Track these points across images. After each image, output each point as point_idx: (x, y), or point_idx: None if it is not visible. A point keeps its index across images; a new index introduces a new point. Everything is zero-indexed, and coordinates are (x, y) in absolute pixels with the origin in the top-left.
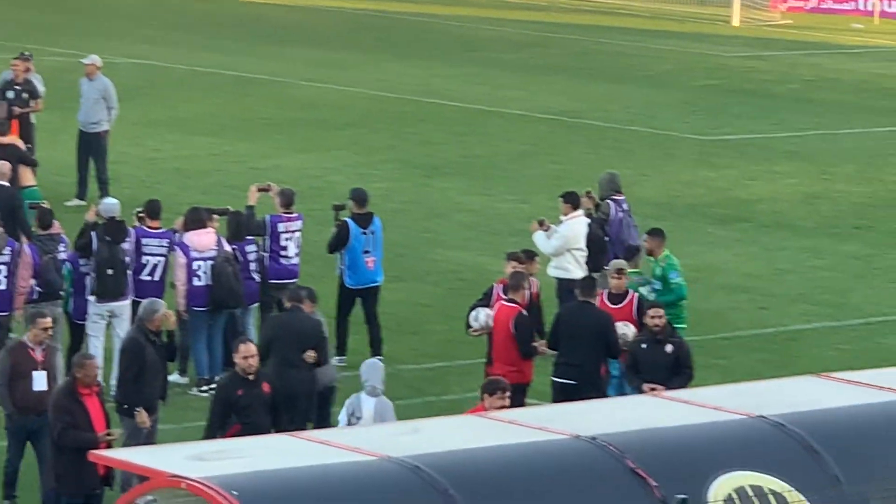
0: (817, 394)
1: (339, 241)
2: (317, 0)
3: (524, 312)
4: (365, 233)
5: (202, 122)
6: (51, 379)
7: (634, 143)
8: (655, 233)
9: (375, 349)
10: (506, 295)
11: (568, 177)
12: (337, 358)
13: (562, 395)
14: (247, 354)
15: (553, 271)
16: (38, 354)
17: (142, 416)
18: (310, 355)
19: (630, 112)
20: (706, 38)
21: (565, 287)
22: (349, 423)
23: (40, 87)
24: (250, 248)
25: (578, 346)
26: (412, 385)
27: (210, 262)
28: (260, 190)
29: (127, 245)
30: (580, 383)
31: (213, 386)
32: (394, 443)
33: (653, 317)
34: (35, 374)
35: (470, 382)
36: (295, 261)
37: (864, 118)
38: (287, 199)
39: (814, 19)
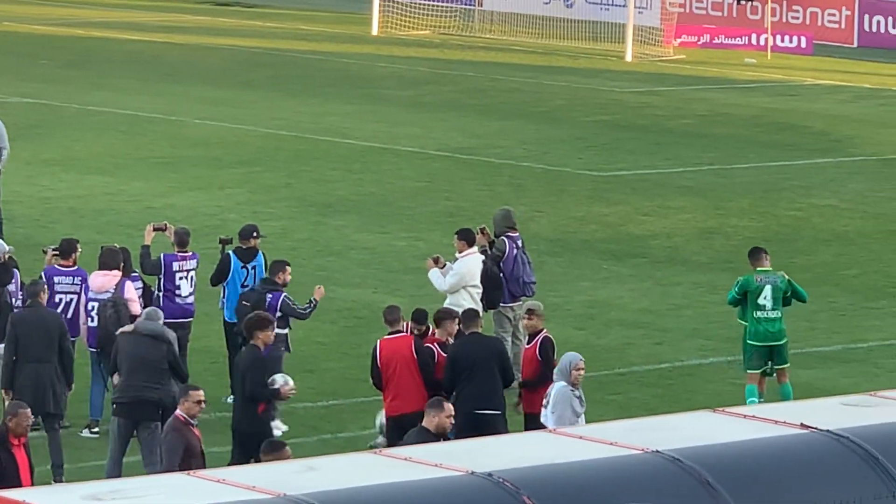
0: (713, 429)
1: (220, 274)
2: (209, 38)
3: (419, 338)
4: (245, 267)
5: (96, 161)
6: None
7: (528, 180)
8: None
9: None
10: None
11: (462, 213)
12: (232, 397)
13: (477, 426)
14: (450, 413)
15: None
16: (196, 430)
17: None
18: None
19: (524, 148)
20: (599, 73)
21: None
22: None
23: None
24: (136, 285)
25: (480, 376)
26: (307, 423)
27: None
28: (156, 229)
29: (12, 287)
30: (502, 411)
31: (95, 429)
32: (289, 481)
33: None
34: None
35: (366, 420)
36: (190, 300)
37: (757, 152)
38: (181, 239)
39: (706, 54)
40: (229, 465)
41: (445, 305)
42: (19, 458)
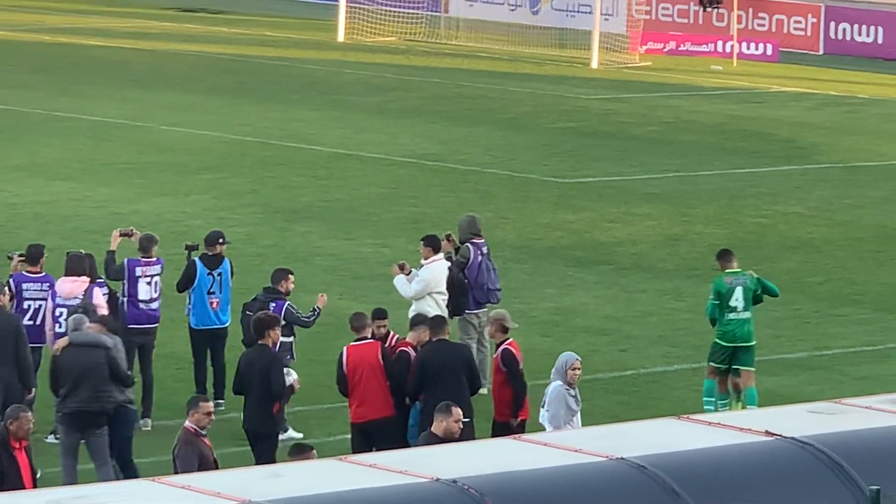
0: (678, 436)
1: (186, 280)
2: (175, 44)
3: (385, 346)
4: (211, 273)
5: (62, 167)
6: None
7: (494, 186)
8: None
9: (218, 392)
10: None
11: (428, 220)
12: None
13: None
14: (458, 417)
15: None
16: (207, 440)
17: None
18: None
19: (489, 155)
20: (565, 80)
21: None
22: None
23: None
24: (102, 290)
25: (447, 383)
26: None
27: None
28: (122, 235)
29: None
30: (469, 419)
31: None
32: (254, 488)
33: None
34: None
35: (332, 426)
36: (154, 305)
37: (722, 159)
38: (144, 244)
39: (672, 61)
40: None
41: (411, 312)
42: (21, 462)
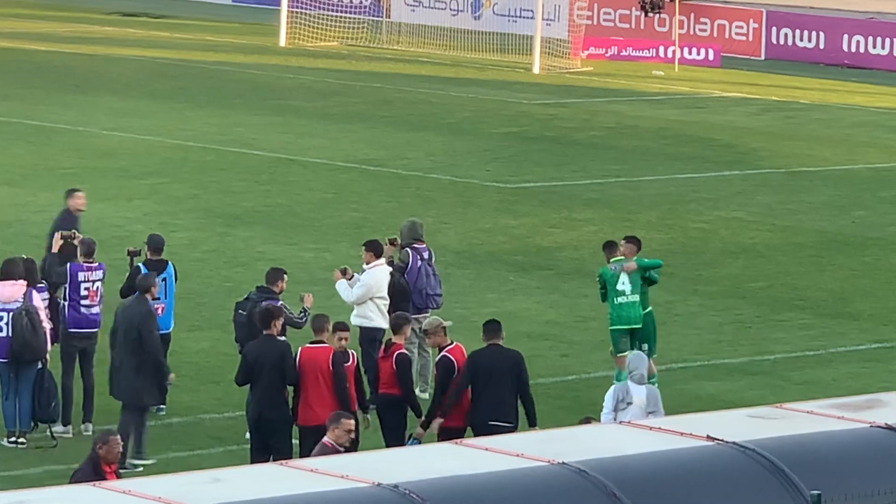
0: (619, 440)
1: (131, 286)
2: (117, 49)
3: (339, 352)
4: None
5: (3, 172)
6: None
7: (435, 191)
8: (634, 240)
9: (161, 397)
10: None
11: (369, 225)
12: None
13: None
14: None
15: (356, 320)
16: None
17: None
18: None
19: (431, 160)
20: (507, 85)
21: (367, 336)
22: (615, 409)
23: None
24: (42, 295)
25: (498, 388)
26: (214, 434)
27: (11, 314)
28: (64, 238)
29: None
30: (514, 424)
31: (21, 439)
32: (195, 492)
33: None
34: None
35: None
36: (96, 310)
37: (664, 165)
38: (88, 249)
39: (614, 66)
40: (252, 455)
41: (352, 317)
42: None
